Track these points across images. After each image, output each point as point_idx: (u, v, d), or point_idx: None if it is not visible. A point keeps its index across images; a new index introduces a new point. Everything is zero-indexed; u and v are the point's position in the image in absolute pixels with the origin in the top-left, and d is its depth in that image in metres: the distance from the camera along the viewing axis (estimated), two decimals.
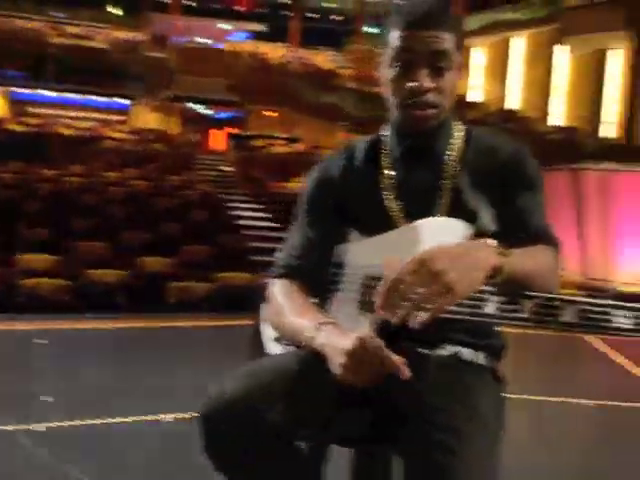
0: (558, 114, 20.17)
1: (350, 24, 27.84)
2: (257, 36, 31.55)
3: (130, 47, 24.67)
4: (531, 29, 21.12)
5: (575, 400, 4.65)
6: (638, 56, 13.79)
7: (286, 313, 1.51)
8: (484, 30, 22.45)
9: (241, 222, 14.42)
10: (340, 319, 1.47)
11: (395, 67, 1.50)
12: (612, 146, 15.11)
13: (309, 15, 32.23)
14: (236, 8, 31.35)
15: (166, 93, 24.01)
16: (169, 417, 3.82)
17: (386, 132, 1.62)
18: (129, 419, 3.76)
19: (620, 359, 5.80)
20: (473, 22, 21.81)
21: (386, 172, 1.57)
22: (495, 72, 23.49)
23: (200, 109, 28.14)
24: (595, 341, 6.42)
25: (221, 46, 28.68)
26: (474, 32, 22.01)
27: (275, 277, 1.62)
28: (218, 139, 29.25)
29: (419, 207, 1.51)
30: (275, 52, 28.46)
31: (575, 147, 15.48)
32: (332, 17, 33.13)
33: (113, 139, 20.22)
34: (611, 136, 16.70)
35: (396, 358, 1.30)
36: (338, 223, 1.59)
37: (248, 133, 23.99)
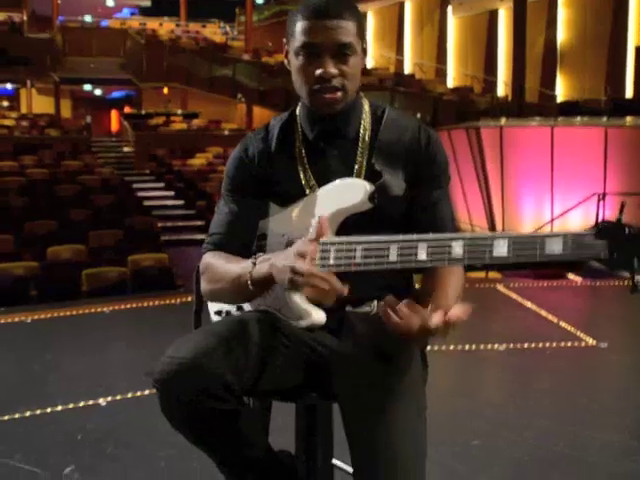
0: (452, 75, 20.71)
1: None
2: (143, 11, 30.75)
3: (8, 28, 23.61)
4: None
5: (489, 345, 4.93)
6: (521, 16, 14.28)
7: (221, 267, 1.61)
8: None
9: (147, 203, 14.24)
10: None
11: (302, 56, 1.58)
12: (505, 103, 15.66)
13: None
14: None
15: (53, 76, 23.17)
16: (103, 401, 3.84)
17: (298, 108, 1.72)
18: (59, 408, 3.75)
19: (529, 304, 6.14)
20: None
21: (299, 149, 1.68)
22: (385, 37, 23.82)
23: (91, 90, 27.30)
24: (506, 290, 6.78)
25: (106, 23, 27.86)
26: None
27: (205, 252, 1.71)
28: (112, 120, 28.55)
29: (332, 178, 1.63)
30: (164, 27, 27.89)
31: (470, 106, 15.98)
32: None
33: (2, 127, 19.45)
34: (505, 94, 17.30)
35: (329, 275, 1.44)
36: (260, 198, 1.70)
37: (143, 112, 23.49)
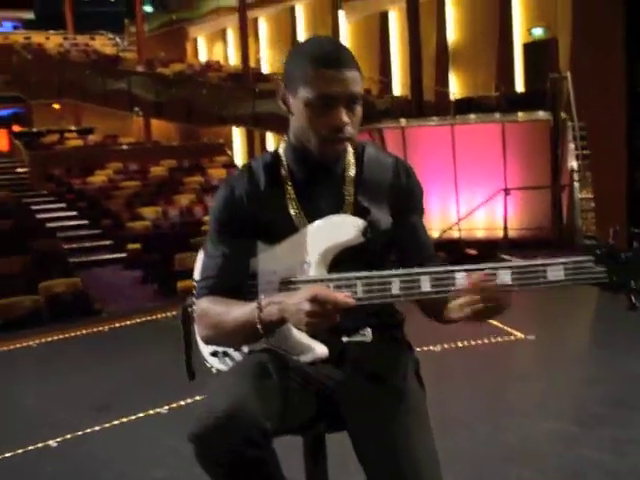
0: None
1: (127, 5, 26.93)
2: (27, 25, 29.67)
3: None
4: None
5: (424, 347, 5.03)
6: (414, 17, 14.63)
7: (223, 313, 1.60)
8: (264, 1, 22.72)
9: (50, 225, 13.73)
10: None
11: (315, 106, 1.57)
12: (403, 103, 16.00)
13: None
14: None
15: None
16: (52, 442, 3.67)
17: (282, 149, 1.72)
18: (8, 454, 3.56)
19: None
20: None
21: (290, 188, 1.69)
22: (279, 43, 23.89)
23: None
24: None
25: None
26: (255, 3, 22.22)
27: (200, 298, 1.69)
28: (1, 139, 27.37)
29: (322, 216, 1.66)
30: (51, 41, 26.99)
31: (370, 108, 16.23)
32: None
33: None
34: (402, 94, 17.68)
35: (340, 293, 1.47)
36: (249, 238, 1.69)
37: (35, 129, 22.66)
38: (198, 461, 1.46)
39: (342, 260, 1.60)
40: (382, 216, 1.68)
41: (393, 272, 1.52)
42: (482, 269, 1.48)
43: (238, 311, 1.58)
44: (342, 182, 1.69)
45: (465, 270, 1.49)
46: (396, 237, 1.71)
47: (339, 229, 1.62)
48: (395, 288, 1.51)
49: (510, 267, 1.46)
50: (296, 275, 1.61)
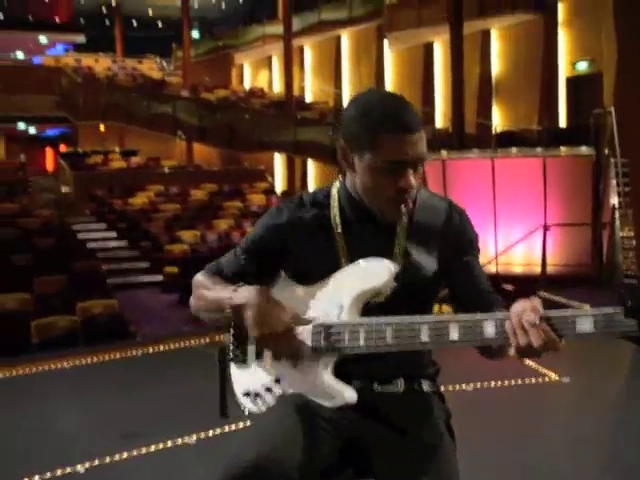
0: None
1: (175, 30, 27.44)
2: (78, 48, 30.35)
3: None
4: (354, 27, 21.84)
5: (457, 386, 4.96)
6: (457, 48, 14.65)
7: (210, 288, 1.72)
8: (309, 30, 22.96)
9: (90, 245, 13.94)
10: (299, 366, 1.64)
11: (385, 169, 1.57)
12: (444, 135, 15.97)
13: (132, 23, 31.52)
14: (51, 19, 29.92)
15: None
16: (80, 467, 3.69)
17: (336, 190, 1.72)
18: (37, 478, 3.59)
19: None
20: (297, 22, 22.24)
21: (338, 230, 1.69)
22: (323, 71, 24.10)
23: (25, 128, 26.72)
24: None
25: (40, 60, 27.40)
26: (301, 32, 22.46)
27: (202, 271, 1.80)
28: (48, 159, 28.00)
29: None
30: (100, 64, 27.59)
31: None
32: (156, 24, 32.51)
33: None
34: (444, 126, 17.66)
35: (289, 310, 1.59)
36: (271, 266, 1.75)
37: (80, 150, 23.10)
38: None
39: (383, 303, 1.62)
40: (426, 260, 1.67)
41: (423, 319, 1.52)
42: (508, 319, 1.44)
43: (220, 289, 1.68)
44: (391, 226, 1.68)
45: (494, 319, 1.46)
46: (452, 280, 1.70)
47: (372, 273, 1.62)
48: (424, 335, 1.51)
49: (540, 317, 1.41)
50: (329, 318, 1.63)
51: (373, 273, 1.61)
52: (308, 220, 1.71)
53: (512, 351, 1.45)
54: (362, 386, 1.62)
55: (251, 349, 1.72)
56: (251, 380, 1.72)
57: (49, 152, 28.09)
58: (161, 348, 6.44)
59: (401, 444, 1.61)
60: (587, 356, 5.99)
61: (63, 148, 25.58)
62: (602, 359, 5.87)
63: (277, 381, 1.68)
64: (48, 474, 3.61)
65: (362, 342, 1.55)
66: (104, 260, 12.95)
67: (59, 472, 3.64)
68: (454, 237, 1.70)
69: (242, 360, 1.73)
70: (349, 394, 1.58)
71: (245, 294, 1.61)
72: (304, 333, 1.64)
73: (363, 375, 1.65)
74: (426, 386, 1.73)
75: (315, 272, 1.67)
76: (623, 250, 10.84)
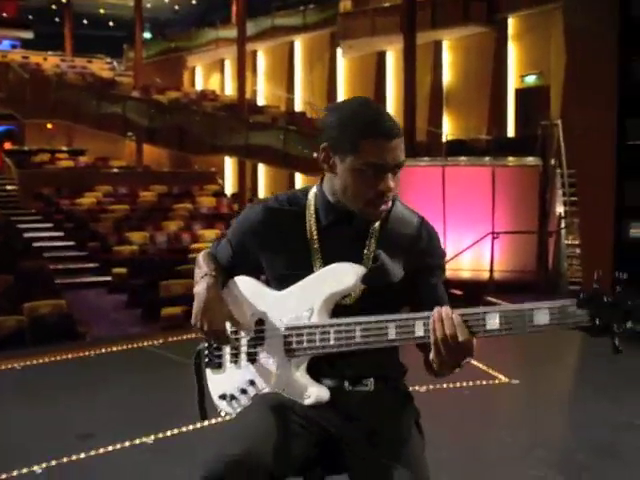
0: None
1: (127, 30, 27.11)
2: (26, 45, 29.76)
3: None
4: (308, 33, 21.94)
5: (410, 388, 5.02)
6: (408, 58, 14.82)
7: (201, 265, 1.84)
8: (263, 35, 22.97)
9: (36, 244, 13.66)
10: (269, 364, 1.73)
11: (365, 173, 1.62)
12: None
13: (83, 21, 31.02)
14: None
15: None
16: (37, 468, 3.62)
17: (313, 194, 1.76)
18: None
19: None
20: (251, 27, 22.22)
21: (314, 234, 1.74)
22: (276, 75, 24.12)
23: None
24: None
25: None
26: (255, 36, 22.44)
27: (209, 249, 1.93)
28: None
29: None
30: (48, 62, 27.09)
31: None
32: (108, 23, 32.06)
33: None
34: None
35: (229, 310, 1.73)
36: (250, 261, 1.82)
37: (26, 148, 22.64)
38: None
39: (352, 305, 1.68)
40: (393, 266, 1.70)
41: (390, 317, 1.59)
42: (472, 313, 1.52)
43: (204, 266, 1.81)
44: (363, 231, 1.73)
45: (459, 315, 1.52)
46: (414, 297, 1.74)
47: (340, 276, 1.67)
48: (391, 333, 1.58)
49: (499, 311, 1.50)
50: (301, 321, 1.69)
51: (341, 276, 1.66)
52: (285, 220, 1.75)
53: (431, 355, 1.54)
54: (334, 385, 1.69)
55: (226, 353, 1.79)
56: (226, 383, 1.79)
57: None
58: (113, 349, 6.36)
59: (372, 439, 1.67)
60: (535, 359, 6.13)
61: (8, 146, 25.01)
62: (550, 362, 6.01)
63: (251, 383, 1.74)
64: (4, 475, 3.54)
65: (332, 341, 1.62)
66: (51, 260, 12.73)
67: (15, 473, 3.56)
68: (419, 255, 1.73)
69: (217, 365, 1.80)
70: (321, 392, 1.67)
71: (201, 286, 1.74)
72: (274, 337, 1.72)
73: (334, 375, 1.70)
74: (395, 386, 1.81)
75: (290, 275, 1.72)
76: (568, 258, 11.13)
